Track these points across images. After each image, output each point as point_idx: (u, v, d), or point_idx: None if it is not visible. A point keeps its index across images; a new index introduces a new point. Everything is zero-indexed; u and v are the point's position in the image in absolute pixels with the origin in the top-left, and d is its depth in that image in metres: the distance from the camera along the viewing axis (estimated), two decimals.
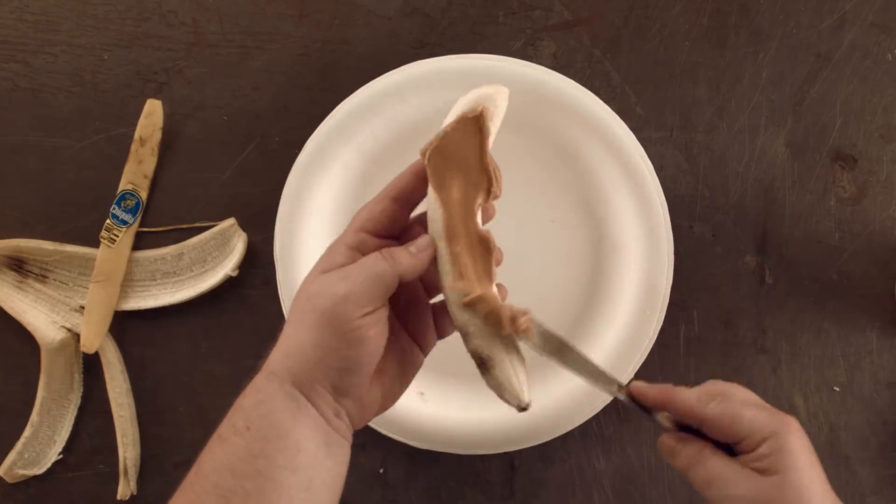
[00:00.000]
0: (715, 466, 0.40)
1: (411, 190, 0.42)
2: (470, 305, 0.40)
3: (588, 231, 0.59)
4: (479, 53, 0.58)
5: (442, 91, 0.58)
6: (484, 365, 0.41)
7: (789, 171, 0.60)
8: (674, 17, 0.61)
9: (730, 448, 0.41)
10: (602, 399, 0.57)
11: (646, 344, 0.57)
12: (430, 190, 0.41)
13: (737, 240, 0.60)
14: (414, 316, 0.44)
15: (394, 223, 0.42)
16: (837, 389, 0.60)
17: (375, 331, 0.38)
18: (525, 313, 0.41)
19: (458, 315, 0.41)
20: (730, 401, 0.40)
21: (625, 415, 0.60)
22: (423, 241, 0.41)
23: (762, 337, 0.60)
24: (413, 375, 0.44)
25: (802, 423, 0.41)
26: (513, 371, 0.41)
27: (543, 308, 0.59)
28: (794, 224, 0.60)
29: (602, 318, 0.58)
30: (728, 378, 0.59)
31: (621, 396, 0.43)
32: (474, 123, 0.42)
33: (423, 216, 0.43)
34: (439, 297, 0.44)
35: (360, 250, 0.41)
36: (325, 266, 0.40)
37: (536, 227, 0.60)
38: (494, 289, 0.41)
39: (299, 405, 0.38)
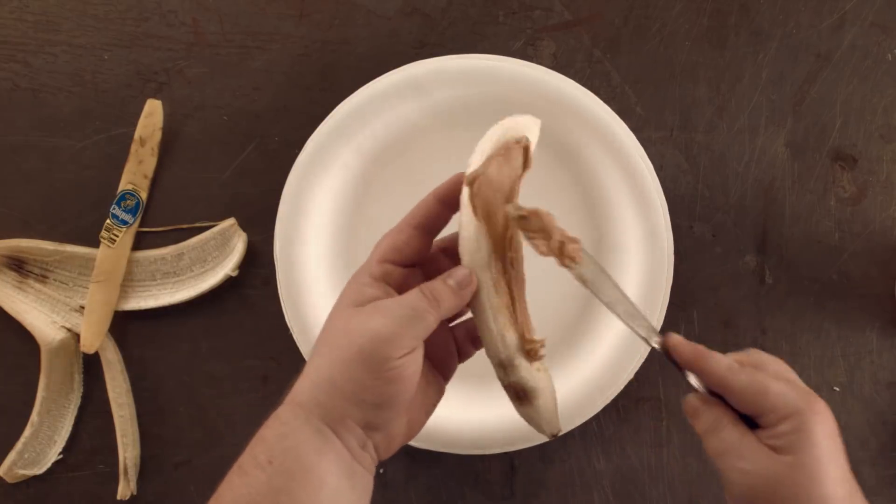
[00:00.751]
0: (730, 437, 0.39)
1: (435, 217, 0.41)
2: (525, 222, 0.40)
3: (588, 231, 0.59)
4: (479, 53, 0.58)
5: (442, 91, 0.58)
6: (526, 397, 0.40)
7: (789, 171, 0.60)
8: (674, 17, 0.61)
9: (753, 422, 0.40)
10: (602, 399, 0.57)
11: (646, 344, 0.57)
12: (471, 219, 0.40)
13: (737, 240, 0.60)
14: (437, 344, 0.43)
15: (417, 252, 0.41)
16: (837, 389, 0.60)
17: (412, 370, 0.38)
18: (575, 241, 0.41)
19: (503, 349, 0.40)
20: (759, 373, 0.39)
21: (625, 415, 0.60)
22: (462, 274, 0.40)
23: (762, 337, 0.60)
24: (437, 404, 0.43)
25: None
26: (553, 401, 0.41)
27: (543, 308, 0.60)
28: (794, 224, 0.60)
29: (602, 319, 0.58)
30: None
31: (656, 346, 0.42)
32: (519, 154, 0.41)
33: (447, 243, 0.42)
34: (458, 320, 0.44)
35: (387, 281, 0.40)
36: (356, 299, 0.39)
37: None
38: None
39: (325, 439, 0.37)
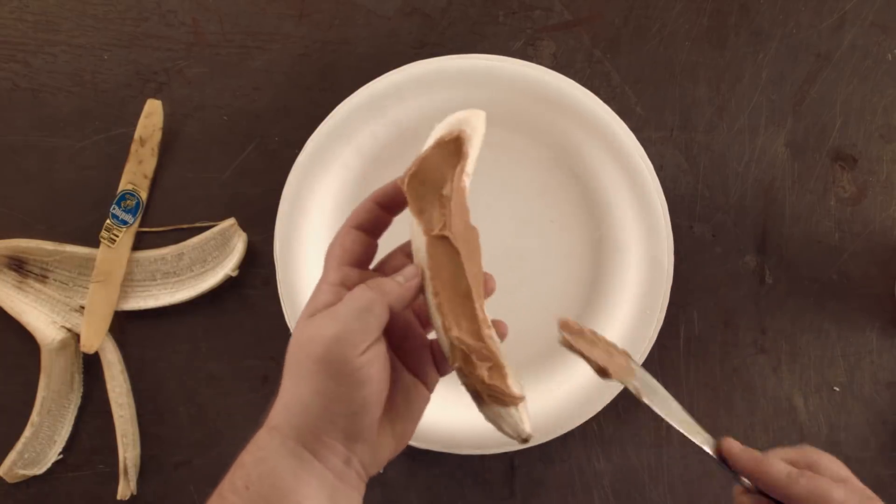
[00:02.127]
0: None
1: (374, 219, 0.41)
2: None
3: (588, 231, 0.59)
4: (479, 53, 0.58)
5: (442, 91, 0.58)
6: (479, 398, 0.39)
7: (789, 171, 0.60)
8: (674, 17, 0.61)
9: None
10: (602, 399, 0.57)
11: (646, 344, 0.57)
12: (412, 217, 0.40)
13: (737, 240, 0.60)
14: (412, 352, 0.42)
15: (366, 251, 0.41)
16: (837, 389, 0.60)
17: (377, 367, 0.37)
18: (624, 353, 0.43)
19: (450, 354, 0.39)
20: (818, 479, 0.40)
21: (625, 415, 0.60)
22: (409, 270, 0.40)
23: (762, 337, 0.60)
24: (422, 412, 0.42)
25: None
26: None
27: (543, 308, 0.60)
28: (794, 224, 0.60)
29: (602, 318, 0.58)
30: (728, 378, 0.59)
31: (711, 453, 0.43)
32: (454, 147, 0.41)
33: (407, 245, 0.42)
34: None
35: (346, 285, 0.39)
36: (311, 309, 0.38)
37: (536, 227, 0.60)
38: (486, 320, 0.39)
39: (302, 462, 0.36)
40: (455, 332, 0.38)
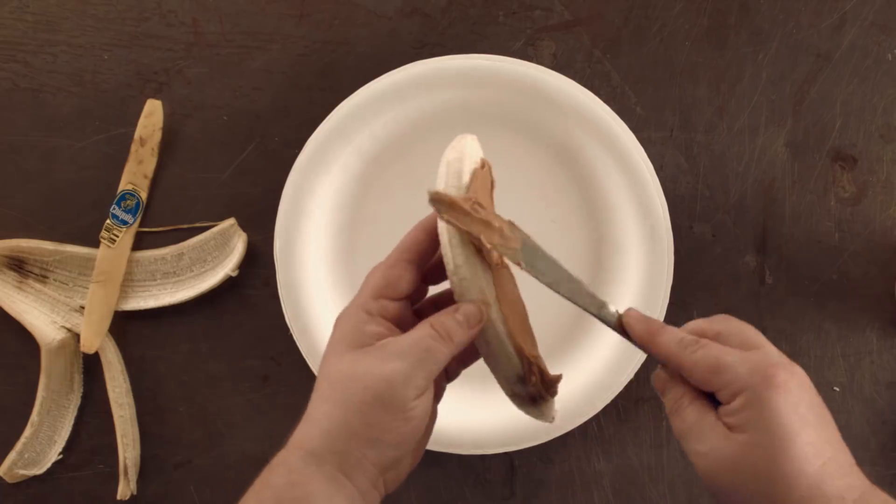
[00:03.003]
0: (689, 417, 0.37)
1: (425, 249, 0.40)
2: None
3: (588, 231, 0.59)
4: (479, 53, 0.58)
5: (442, 91, 0.58)
6: (537, 400, 0.41)
7: (789, 171, 0.60)
8: (674, 17, 0.61)
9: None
10: (602, 399, 0.57)
11: (600, 322, 0.57)
12: (459, 247, 0.39)
13: (737, 240, 0.60)
14: None
15: (410, 286, 0.40)
16: (837, 389, 0.60)
17: (428, 405, 0.38)
18: (502, 222, 0.40)
19: (516, 366, 0.40)
20: (714, 346, 0.37)
21: (625, 415, 0.60)
22: (470, 309, 0.38)
23: None
24: (433, 424, 0.43)
25: None
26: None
27: (544, 308, 0.60)
28: (794, 224, 0.60)
29: None
30: None
31: (610, 323, 0.41)
32: (487, 174, 0.42)
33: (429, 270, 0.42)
34: None
35: (384, 316, 0.39)
36: (356, 339, 0.38)
37: (536, 227, 0.59)
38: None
39: (338, 487, 0.36)
40: (530, 351, 0.40)
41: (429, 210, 0.40)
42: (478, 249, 0.39)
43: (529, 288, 0.59)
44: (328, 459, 0.37)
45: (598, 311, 0.41)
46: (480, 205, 0.39)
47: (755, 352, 0.37)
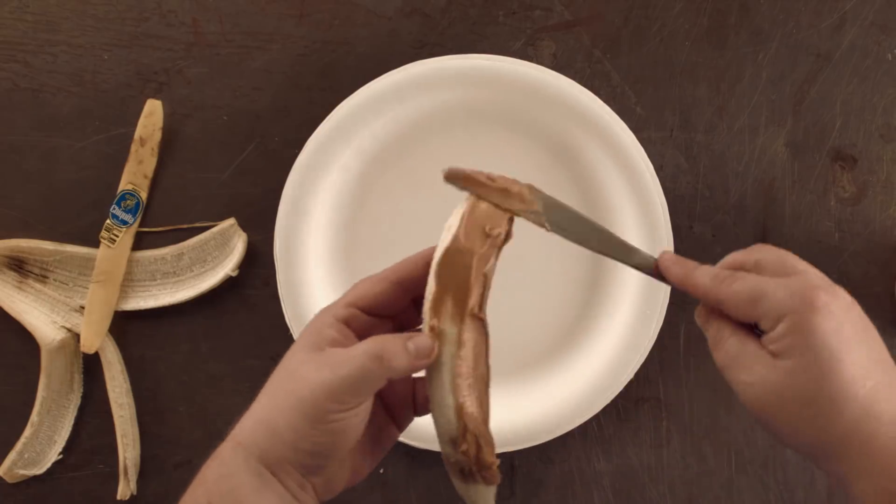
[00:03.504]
0: (731, 348, 0.36)
1: (419, 277, 0.39)
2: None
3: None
4: (479, 53, 0.58)
5: (442, 91, 0.58)
6: (469, 476, 0.39)
7: (789, 171, 0.60)
8: (674, 17, 0.61)
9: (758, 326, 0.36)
10: (602, 399, 0.57)
11: (646, 344, 0.57)
12: (436, 290, 0.38)
13: (737, 240, 0.60)
14: (395, 392, 0.41)
15: (391, 306, 0.40)
16: None
17: (355, 422, 0.37)
18: (518, 183, 0.39)
19: (458, 434, 0.38)
20: (751, 277, 0.36)
21: (625, 415, 0.60)
22: (424, 343, 0.37)
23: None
24: (385, 452, 0.42)
25: None
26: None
27: (544, 308, 0.60)
28: (794, 224, 0.60)
29: (602, 319, 0.58)
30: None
31: (649, 272, 0.40)
32: (482, 218, 0.39)
33: (420, 291, 0.40)
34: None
35: (350, 325, 0.39)
36: (315, 340, 0.38)
37: (536, 227, 0.60)
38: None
39: (264, 481, 0.36)
40: (472, 418, 0.38)
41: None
42: (461, 299, 0.38)
43: (530, 287, 0.59)
44: (254, 452, 0.37)
45: (632, 259, 0.40)
46: (493, 177, 0.38)
47: (794, 277, 0.36)
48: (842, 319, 0.34)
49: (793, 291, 0.34)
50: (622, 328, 0.58)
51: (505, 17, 0.61)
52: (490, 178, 0.38)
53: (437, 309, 0.38)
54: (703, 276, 0.38)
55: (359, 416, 0.37)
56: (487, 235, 0.38)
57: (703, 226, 0.60)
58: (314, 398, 0.35)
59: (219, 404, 0.60)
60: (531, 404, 0.58)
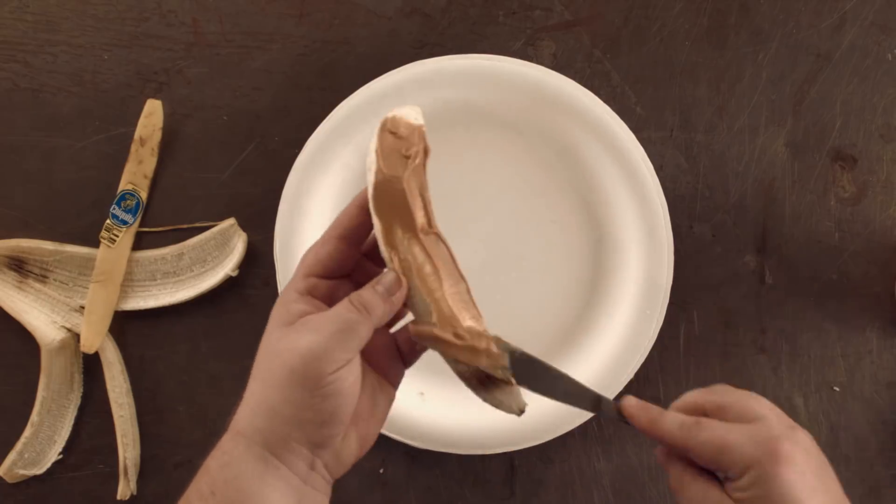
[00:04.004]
0: (695, 494, 0.38)
1: (358, 225, 0.40)
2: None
3: (588, 231, 0.59)
4: (479, 53, 0.58)
5: (442, 91, 0.58)
6: (485, 385, 0.39)
7: (789, 171, 0.60)
8: (674, 17, 0.61)
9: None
10: None
11: (646, 344, 0.57)
12: (378, 220, 0.39)
13: (737, 240, 0.60)
14: (377, 349, 0.41)
15: (343, 263, 0.40)
16: (837, 389, 0.60)
17: (351, 380, 0.36)
18: (487, 338, 0.39)
19: (461, 351, 0.38)
20: (716, 425, 0.37)
21: None
22: (390, 279, 0.38)
23: (762, 337, 0.60)
24: (387, 412, 0.42)
25: (802, 424, 0.40)
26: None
27: (544, 308, 0.60)
28: (794, 224, 0.60)
29: (602, 319, 0.58)
30: (728, 378, 0.59)
31: (612, 414, 0.41)
32: (416, 140, 0.40)
33: (370, 247, 0.41)
34: (398, 325, 0.42)
35: (314, 295, 0.39)
36: (285, 317, 0.38)
37: (536, 227, 0.60)
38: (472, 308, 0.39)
39: (268, 466, 0.36)
40: (468, 323, 0.38)
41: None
42: (408, 223, 0.39)
43: (530, 287, 0.59)
44: (255, 439, 0.36)
45: (597, 407, 0.41)
46: (460, 335, 0.38)
47: (757, 425, 0.37)
48: (804, 468, 0.36)
49: (757, 442, 0.36)
50: (622, 328, 0.58)
51: (505, 17, 0.61)
52: (458, 335, 0.38)
53: (389, 242, 0.39)
54: (670, 424, 0.39)
55: (352, 373, 0.37)
56: (406, 157, 0.39)
57: (703, 226, 0.60)
58: (305, 364, 0.35)
59: (219, 404, 0.60)
60: (531, 404, 0.58)
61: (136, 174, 0.60)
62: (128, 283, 0.60)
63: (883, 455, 0.59)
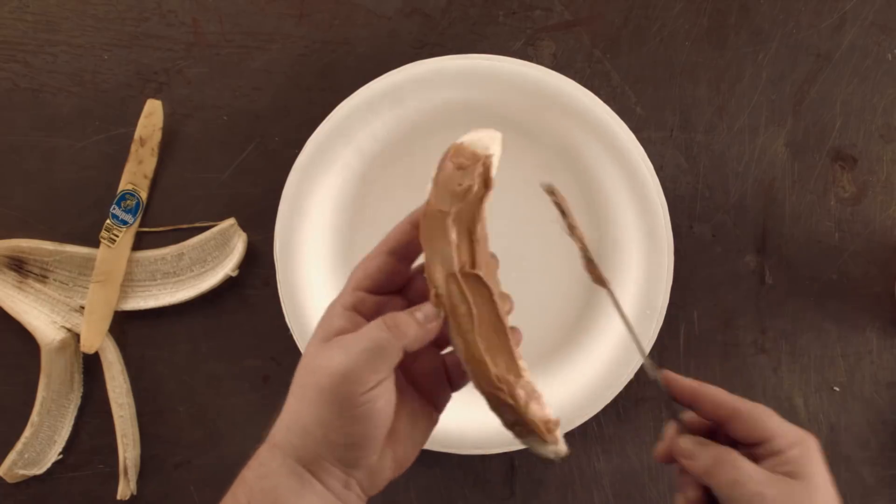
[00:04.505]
0: (744, 467, 0.38)
1: (408, 242, 0.39)
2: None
3: (588, 231, 0.59)
4: (479, 53, 0.58)
5: (442, 91, 0.58)
6: (523, 431, 0.38)
7: (789, 171, 0.60)
8: (674, 17, 0.61)
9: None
10: (602, 399, 0.57)
11: (646, 344, 0.57)
12: (427, 249, 0.38)
13: (737, 240, 0.60)
14: (424, 372, 0.41)
15: (392, 278, 0.40)
16: (837, 389, 0.60)
17: (381, 403, 0.36)
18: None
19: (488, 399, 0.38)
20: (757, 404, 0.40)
21: (625, 415, 0.60)
22: (428, 309, 0.38)
23: (762, 337, 0.60)
24: (427, 435, 0.41)
25: (802, 424, 0.41)
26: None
27: (544, 308, 0.60)
28: (794, 224, 0.60)
29: (602, 319, 0.58)
30: (728, 378, 0.59)
31: (657, 379, 0.41)
32: (479, 173, 0.38)
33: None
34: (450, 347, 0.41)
35: (358, 310, 0.39)
36: (325, 333, 0.38)
37: (536, 227, 0.60)
38: (523, 369, 0.38)
39: (303, 482, 0.36)
40: (494, 371, 0.37)
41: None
42: (446, 260, 0.37)
43: (530, 287, 0.59)
44: (290, 453, 0.36)
45: (646, 358, 0.42)
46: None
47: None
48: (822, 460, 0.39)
49: (794, 426, 0.39)
50: (622, 328, 0.58)
51: (505, 17, 0.61)
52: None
53: (430, 274, 0.38)
54: (719, 390, 0.40)
55: (383, 397, 0.36)
56: (456, 193, 0.37)
57: (703, 226, 0.60)
58: (333, 384, 0.35)
59: (219, 404, 0.60)
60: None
61: (136, 174, 0.60)
62: (128, 283, 0.60)
63: (883, 455, 0.59)
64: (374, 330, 0.36)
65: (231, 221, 0.59)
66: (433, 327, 0.38)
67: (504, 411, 0.38)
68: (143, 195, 0.60)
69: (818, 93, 0.61)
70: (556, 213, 0.41)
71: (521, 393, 0.37)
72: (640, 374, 0.57)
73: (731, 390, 0.59)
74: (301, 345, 0.57)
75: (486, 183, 0.38)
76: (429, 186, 0.39)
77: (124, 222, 0.59)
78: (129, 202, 0.60)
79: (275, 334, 0.59)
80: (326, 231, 0.59)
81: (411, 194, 0.59)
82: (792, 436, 0.39)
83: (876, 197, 0.60)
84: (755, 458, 0.39)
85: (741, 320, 0.60)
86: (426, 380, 0.41)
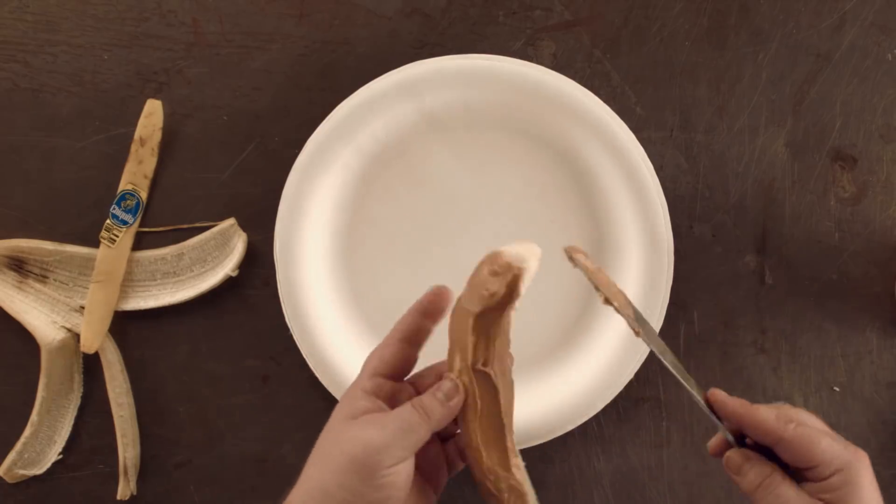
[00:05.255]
0: (786, 493, 0.40)
1: (417, 329, 0.43)
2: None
3: (588, 231, 0.59)
4: (479, 53, 0.58)
5: (442, 91, 0.58)
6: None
7: (789, 171, 0.60)
8: (674, 17, 0.61)
9: (792, 474, 0.41)
10: (602, 399, 0.57)
11: (646, 344, 0.57)
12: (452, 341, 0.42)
13: (737, 240, 0.60)
14: (427, 456, 0.44)
15: (406, 363, 0.43)
16: (837, 389, 0.60)
17: (403, 476, 0.40)
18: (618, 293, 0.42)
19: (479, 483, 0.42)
20: (806, 426, 0.40)
21: (625, 415, 0.60)
22: (448, 386, 0.42)
23: (762, 337, 0.60)
24: None
25: None
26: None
27: (544, 308, 0.60)
28: (794, 224, 0.60)
29: (602, 319, 0.58)
30: (728, 378, 0.59)
31: (699, 401, 0.43)
32: (508, 281, 0.40)
33: (441, 366, 0.44)
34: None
35: (377, 395, 0.42)
36: (351, 412, 0.41)
37: (536, 227, 0.60)
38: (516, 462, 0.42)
39: None
40: (486, 462, 0.41)
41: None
42: (462, 350, 0.41)
43: (530, 288, 0.59)
44: None
45: (692, 385, 0.43)
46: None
47: (832, 434, 0.41)
48: (873, 476, 0.40)
49: (844, 447, 0.40)
50: (622, 328, 0.58)
51: (505, 17, 0.61)
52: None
53: (450, 362, 0.42)
54: (766, 413, 0.41)
55: (406, 470, 0.40)
56: (483, 297, 0.40)
57: (703, 226, 0.60)
58: (366, 454, 0.38)
59: (219, 404, 0.60)
60: (531, 404, 0.58)
61: (136, 174, 0.60)
62: (128, 283, 0.60)
63: (883, 455, 0.59)
64: (406, 412, 0.40)
65: (231, 221, 0.59)
66: (455, 404, 0.41)
67: (490, 500, 0.42)
68: (143, 195, 0.60)
69: (818, 93, 0.61)
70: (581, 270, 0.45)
71: (503, 487, 0.42)
72: (640, 373, 0.57)
73: (731, 390, 0.59)
74: (301, 345, 0.57)
75: (512, 293, 0.40)
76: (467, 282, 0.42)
77: (124, 222, 0.59)
78: (129, 202, 0.60)
79: (275, 334, 0.59)
80: (326, 231, 0.59)
81: (411, 194, 0.60)
82: (837, 462, 0.39)
83: (876, 197, 0.60)
84: (805, 478, 0.40)
85: (741, 320, 0.60)
86: (428, 464, 0.45)
